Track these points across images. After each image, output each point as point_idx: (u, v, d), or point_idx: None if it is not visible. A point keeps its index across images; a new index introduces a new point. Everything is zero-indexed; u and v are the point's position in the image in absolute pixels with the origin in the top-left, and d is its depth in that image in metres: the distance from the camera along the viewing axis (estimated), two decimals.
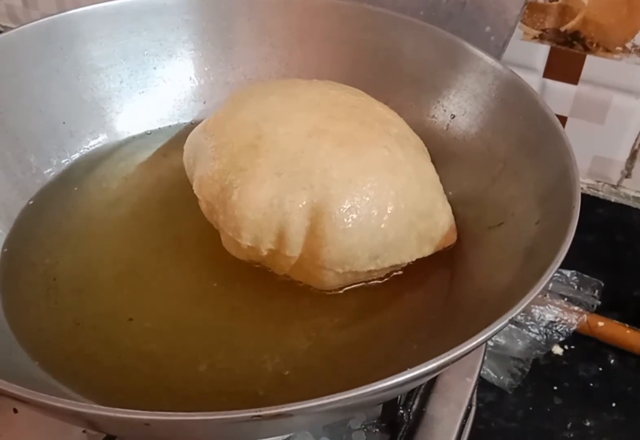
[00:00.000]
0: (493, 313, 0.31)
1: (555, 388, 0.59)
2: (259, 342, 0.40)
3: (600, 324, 0.61)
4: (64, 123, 0.50)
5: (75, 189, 0.49)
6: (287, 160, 0.40)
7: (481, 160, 0.45)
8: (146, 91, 0.53)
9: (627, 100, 0.54)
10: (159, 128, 0.54)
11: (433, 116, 0.48)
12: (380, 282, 0.43)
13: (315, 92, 0.44)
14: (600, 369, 0.61)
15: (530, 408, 0.58)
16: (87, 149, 0.51)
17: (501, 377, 0.59)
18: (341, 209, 0.39)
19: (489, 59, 0.45)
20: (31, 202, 0.47)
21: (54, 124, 0.49)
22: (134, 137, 0.53)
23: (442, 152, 0.46)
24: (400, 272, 0.43)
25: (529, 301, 0.30)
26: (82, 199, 0.49)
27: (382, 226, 0.39)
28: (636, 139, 0.56)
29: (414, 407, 0.46)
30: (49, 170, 0.49)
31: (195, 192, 0.43)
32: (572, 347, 0.62)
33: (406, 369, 0.28)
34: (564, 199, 0.35)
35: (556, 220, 0.35)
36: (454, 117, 0.47)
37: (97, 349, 0.39)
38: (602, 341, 0.61)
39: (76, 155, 0.50)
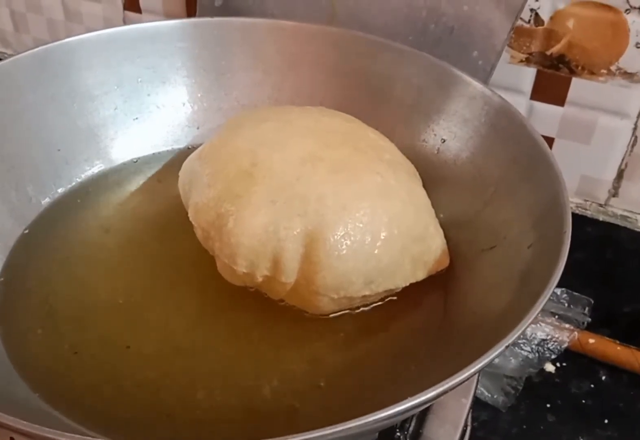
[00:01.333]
0: (489, 337, 0.32)
1: (548, 405, 0.60)
2: (257, 367, 0.40)
3: (591, 341, 0.62)
4: (59, 150, 0.50)
5: (71, 216, 0.49)
6: (282, 187, 0.40)
7: (472, 183, 0.45)
8: (140, 117, 0.53)
9: (612, 121, 0.55)
10: (153, 154, 0.54)
11: (424, 140, 0.49)
12: (375, 306, 0.43)
13: (309, 119, 0.45)
14: (593, 385, 0.61)
15: (524, 426, 0.59)
16: (82, 176, 0.51)
17: (495, 396, 0.60)
18: (335, 236, 0.39)
19: (478, 85, 0.46)
20: (27, 231, 0.47)
21: (49, 151, 0.50)
22: (128, 164, 0.53)
23: (433, 176, 0.47)
24: (394, 297, 0.43)
25: (524, 328, 0.31)
26: (77, 226, 0.49)
27: (376, 252, 0.40)
28: (622, 159, 0.57)
29: (411, 429, 0.46)
30: (44, 198, 0.49)
31: (190, 218, 0.43)
32: (564, 364, 0.62)
33: (405, 391, 0.28)
34: (555, 223, 0.36)
35: (548, 245, 0.36)
36: (444, 141, 0.48)
37: (96, 377, 0.40)
38: (593, 358, 0.62)
39: (72, 183, 0.51)
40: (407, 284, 0.42)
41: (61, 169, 0.50)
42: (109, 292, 0.44)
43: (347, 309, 0.42)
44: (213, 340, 0.42)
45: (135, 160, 0.53)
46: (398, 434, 0.46)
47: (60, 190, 0.50)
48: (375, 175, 0.42)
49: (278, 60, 0.53)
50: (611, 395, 0.60)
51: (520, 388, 0.60)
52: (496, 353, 0.30)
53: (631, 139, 0.55)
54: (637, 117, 0.54)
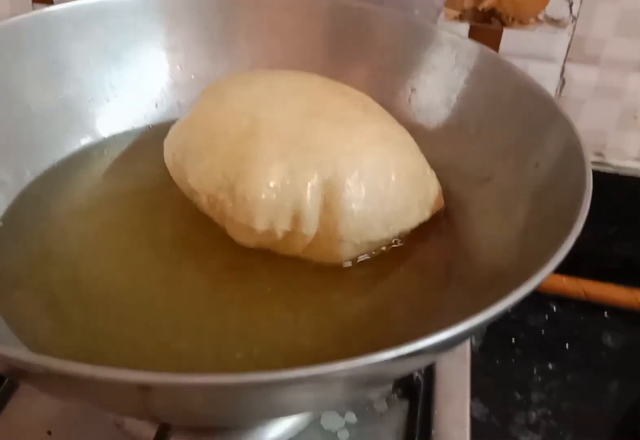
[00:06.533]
0: (520, 260, 0.33)
1: (513, 340, 0.64)
2: (288, 325, 0.40)
3: None
4: (13, 139, 0.47)
5: (42, 206, 0.46)
6: (289, 141, 0.40)
7: (452, 125, 0.47)
8: (94, 99, 0.51)
9: (542, 66, 0.58)
10: (113, 135, 0.52)
11: (392, 92, 0.50)
12: (385, 251, 0.44)
13: (292, 78, 0.45)
14: (547, 316, 0.66)
15: (497, 362, 0.62)
16: (46, 164, 0.48)
17: None
18: (352, 180, 0.40)
19: (444, 32, 0.48)
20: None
21: (7, 141, 0.46)
22: (89, 148, 0.51)
23: (408, 124, 0.47)
24: (401, 243, 0.44)
25: (570, 245, 0.32)
26: (52, 216, 0.46)
27: (390, 193, 0.41)
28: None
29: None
30: (10, 189, 0.46)
31: (192, 186, 0.42)
32: None
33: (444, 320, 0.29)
34: (561, 135, 0.38)
35: (561, 156, 0.37)
36: (414, 90, 0.49)
37: (127, 354, 0.38)
38: (543, 293, 0.66)
39: (36, 172, 0.47)
40: (417, 224, 0.43)
41: (23, 159, 0.47)
42: (109, 276, 0.42)
43: (365, 255, 0.43)
44: (234, 306, 0.41)
45: (95, 144, 0.51)
46: (416, 373, 0.47)
47: (26, 180, 0.47)
48: (372, 123, 0.43)
49: (232, 31, 0.52)
50: (565, 324, 0.65)
51: (485, 329, 0.63)
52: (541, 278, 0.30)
53: (559, 82, 0.59)
54: (564, 61, 0.58)
